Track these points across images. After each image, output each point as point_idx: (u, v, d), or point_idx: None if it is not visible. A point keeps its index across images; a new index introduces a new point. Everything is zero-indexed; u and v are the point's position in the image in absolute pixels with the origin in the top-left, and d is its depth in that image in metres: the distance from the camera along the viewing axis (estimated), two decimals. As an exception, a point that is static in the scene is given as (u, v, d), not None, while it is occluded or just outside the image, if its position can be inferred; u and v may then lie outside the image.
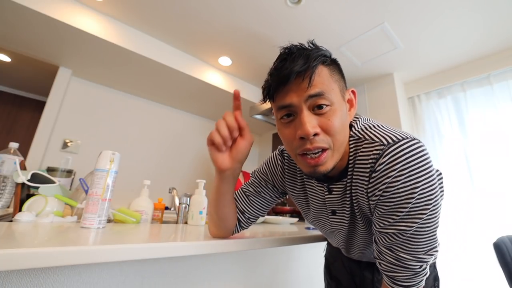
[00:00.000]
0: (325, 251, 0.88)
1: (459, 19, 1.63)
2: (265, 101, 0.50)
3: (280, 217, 1.34)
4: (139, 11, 1.69)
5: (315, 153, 0.43)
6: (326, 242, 0.87)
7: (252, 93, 2.49)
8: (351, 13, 1.60)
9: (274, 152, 0.67)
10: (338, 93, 0.45)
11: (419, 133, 2.21)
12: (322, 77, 0.43)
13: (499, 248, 0.87)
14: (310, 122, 0.42)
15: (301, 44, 0.46)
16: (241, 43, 1.93)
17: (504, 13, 1.57)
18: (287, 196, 0.68)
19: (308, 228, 1.11)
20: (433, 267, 0.64)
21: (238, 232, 0.64)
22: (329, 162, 0.44)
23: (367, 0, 1.50)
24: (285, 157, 0.63)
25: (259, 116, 2.04)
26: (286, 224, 1.31)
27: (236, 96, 0.50)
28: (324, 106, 0.42)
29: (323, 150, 0.43)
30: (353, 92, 0.50)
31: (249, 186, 0.65)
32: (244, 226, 0.64)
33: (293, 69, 0.42)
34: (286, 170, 0.61)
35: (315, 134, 0.42)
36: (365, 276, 0.68)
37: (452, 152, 1.97)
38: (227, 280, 0.79)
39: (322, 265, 0.87)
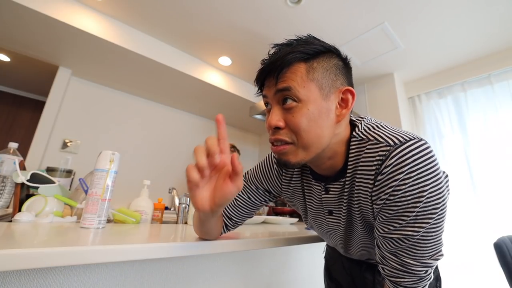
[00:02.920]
0: (324, 252, 0.87)
1: (459, 19, 1.62)
2: (258, 89, 0.51)
3: (280, 217, 1.34)
4: (139, 11, 1.69)
5: (277, 142, 0.45)
6: (325, 243, 0.86)
7: (252, 93, 2.48)
8: (351, 13, 1.60)
9: (268, 155, 0.64)
10: (314, 92, 0.42)
11: (419, 133, 2.20)
12: (295, 73, 0.42)
13: (500, 248, 0.87)
14: (275, 115, 0.44)
15: (293, 40, 0.47)
16: (241, 43, 1.93)
17: (504, 13, 1.57)
18: (281, 197, 0.67)
19: (308, 229, 1.11)
20: (435, 267, 0.64)
21: (224, 233, 0.63)
22: (291, 156, 0.44)
23: (367, 0, 1.50)
24: None
25: (259, 116, 2.04)
26: (286, 224, 1.31)
27: (219, 122, 0.40)
28: (289, 100, 0.42)
29: (286, 143, 0.44)
30: (349, 91, 0.45)
31: None
32: (231, 229, 0.64)
33: (269, 66, 0.44)
34: (283, 172, 0.60)
35: (278, 128, 0.43)
36: (365, 278, 0.67)
37: (452, 152, 1.97)
38: (227, 280, 0.79)
39: (322, 265, 0.87)
